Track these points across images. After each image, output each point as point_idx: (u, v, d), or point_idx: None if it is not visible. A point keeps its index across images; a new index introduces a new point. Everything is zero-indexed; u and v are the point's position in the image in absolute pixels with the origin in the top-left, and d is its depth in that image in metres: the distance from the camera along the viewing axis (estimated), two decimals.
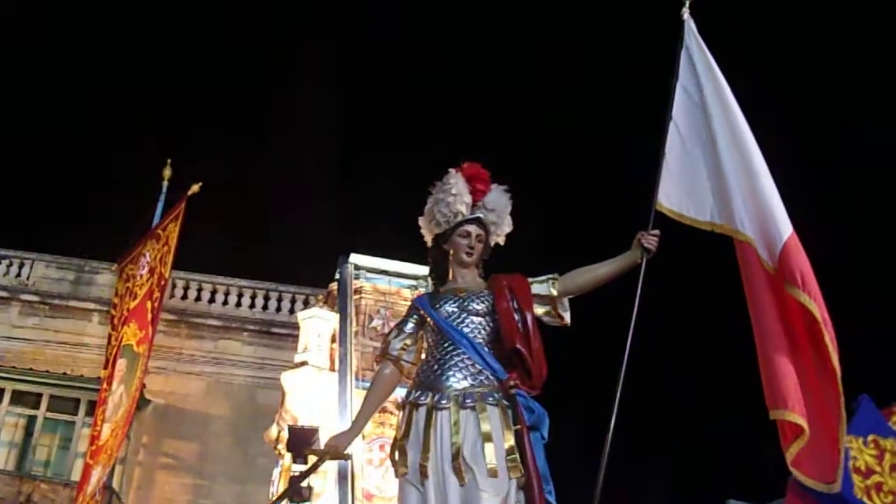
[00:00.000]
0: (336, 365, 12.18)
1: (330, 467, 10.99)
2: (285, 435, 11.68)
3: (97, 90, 27.46)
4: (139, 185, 18.94)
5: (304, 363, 12.52)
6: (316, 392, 12.05)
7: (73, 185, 22.81)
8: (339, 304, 12.92)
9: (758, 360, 4.37)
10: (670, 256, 4.46)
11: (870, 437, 6.81)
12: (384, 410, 10.65)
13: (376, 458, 11.18)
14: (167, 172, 17.03)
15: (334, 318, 12.89)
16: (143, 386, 15.97)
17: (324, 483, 11.21)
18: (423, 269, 11.81)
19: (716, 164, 4.67)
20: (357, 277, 13.01)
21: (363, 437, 11.05)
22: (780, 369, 4.27)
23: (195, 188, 13.04)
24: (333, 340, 12.76)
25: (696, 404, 21.74)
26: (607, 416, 4.17)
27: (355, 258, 13.17)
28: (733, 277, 4.48)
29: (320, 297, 14.30)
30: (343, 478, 10.91)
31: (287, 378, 12.60)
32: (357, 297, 12.84)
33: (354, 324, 12.50)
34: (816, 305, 4.25)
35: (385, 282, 13.04)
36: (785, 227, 4.44)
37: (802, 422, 4.17)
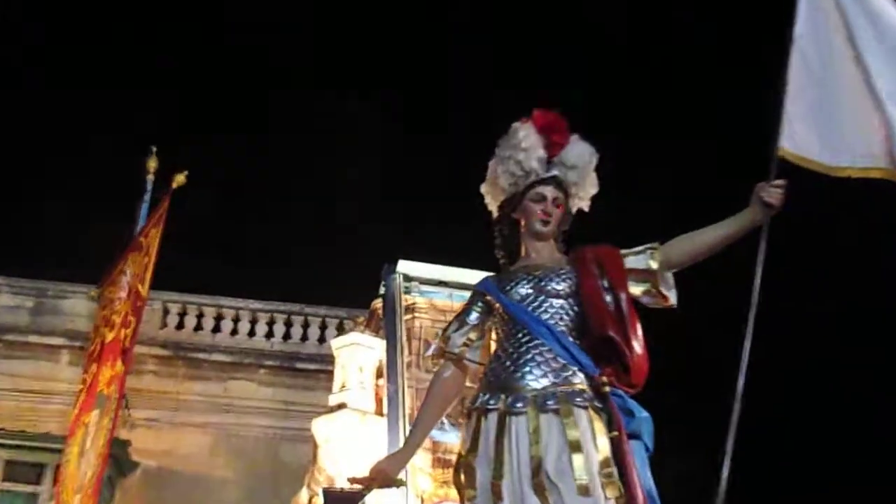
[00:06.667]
0: (384, 407, 12.32)
1: None
2: (320, 501, 11.91)
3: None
4: (120, 184, 19.30)
5: (341, 406, 12.75)
6: (358, 443, 12.21)
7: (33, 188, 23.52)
8: (386, 327, 13.03)
9: None
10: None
11: None
12: (447, 465, 10.90)
13: None
14: (152, 164, 16.68)
15: (380, 345, 13.12)
16: (119, 441, 16.11)
17: None
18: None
19: (864, 87, 4.79)
20: (408, 291, 13.11)
21: (422, 501, 11.32)
22: None
23: (180, 178, 13.27)
24: (380, 375, 13.01)
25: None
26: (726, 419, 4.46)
27: (404, 266, 13.27)
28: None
29: (360, 319, 14.53)
30: None
31: (320, 426, 12.88)
32: (409, 316, 12.95)
33: (407, 352, 12.54)
34: None
35: (444, 296, 13.01)
36: None
37: None
